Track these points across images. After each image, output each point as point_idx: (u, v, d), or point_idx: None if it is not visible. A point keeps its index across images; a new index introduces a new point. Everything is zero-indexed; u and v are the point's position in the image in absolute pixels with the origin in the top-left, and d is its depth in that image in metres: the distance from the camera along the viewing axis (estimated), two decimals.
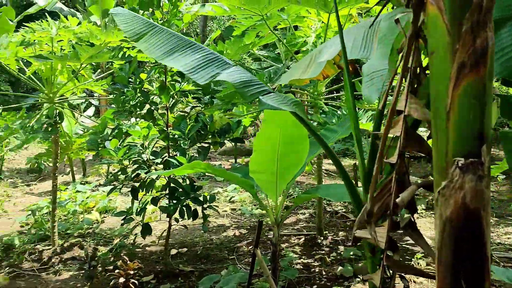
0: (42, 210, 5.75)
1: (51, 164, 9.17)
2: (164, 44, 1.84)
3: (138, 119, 5.15)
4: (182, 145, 3.50)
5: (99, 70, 9.04)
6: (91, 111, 8.26)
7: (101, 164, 8.65)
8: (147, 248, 4.77)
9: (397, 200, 1.10)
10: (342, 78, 4.62)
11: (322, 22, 4.47)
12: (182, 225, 4.53)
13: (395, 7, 1.86)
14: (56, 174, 4.86)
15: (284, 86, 3.77)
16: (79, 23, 4.41)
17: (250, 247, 4.61)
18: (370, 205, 1.19)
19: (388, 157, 1.17)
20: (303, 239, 4.81)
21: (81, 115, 8.26)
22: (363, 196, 1.71)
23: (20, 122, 4.05)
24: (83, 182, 7.89)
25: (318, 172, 4.63)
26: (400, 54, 1.18)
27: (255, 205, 6.49)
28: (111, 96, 5.60)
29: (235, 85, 1.66)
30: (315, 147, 2.94)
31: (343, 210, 5.95)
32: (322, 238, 4.76)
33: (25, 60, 4.93)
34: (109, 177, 8.16)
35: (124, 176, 3.55)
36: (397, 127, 1.11)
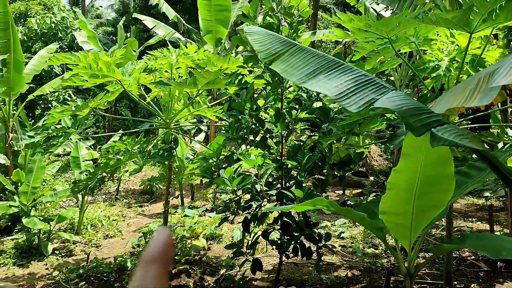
0: (153, 233, 5.84)
1: (162, 187, 9.56)
2: (305, 65, 1.60)
3: (249, 147, 5.04)
4: (298, 176, 3.23)
5: (209, 97, 9.29)
6: (201, 136, 8.46)
7: (207, 189, 8.75)
8: (253, 282, 4.53)
9: None
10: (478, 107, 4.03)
11: (456, 44, 4.00)
12: (292, 262, 4.23)
13: None
14: (169, 199, 4.88)
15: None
16: (197, 51, 4.46)
17: None
18: None
19: None
20: None
21: (191, 141, 8.49)
22: None
23: (139, 147, 4.12)
24: (191, 207, 8.01)
25: (448, 213, 4.05)
26: None
27: (366, 242, 5.98)
28: (222, 123, 5.60)
29: (399, 113, 1.36)
30: (458, 188, 2.48)
31: (472, 257, 5.19)
32: None
33: (143, 87, 5.12)
34: (217, 204, 8.20)
35: (236, 206, 3.37)
36: None
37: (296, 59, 1.65)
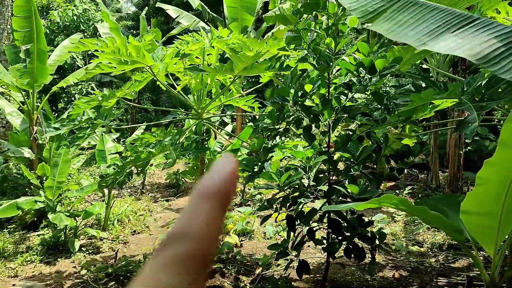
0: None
1: (188, 180, 9.30)
2: (422, 22, 1.26)
3: (283, 138, 4.69)
4: (352, 170, 2.88)
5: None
6: (229, 128, 8.15)
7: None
8: (293, 283, 4.21)
9: None
10: None
11: None
12: (337, 262, 3.89)
13: None
14: None
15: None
16: (229, 35, 4.13)
17: None
18: None
19: None
20: None
21: (218, 132, 8.19)
22: None
23: (171, 138, 3.82)
24: None
25: None
26: None
27: (409, 240, 5.59)
28: (253, 112, 5.27)
29: None
30: None
31: None
32: None
33: (171, 77, 4.82)
34: (245, 198, 7.90)
35: (281, 204, 3.03)
36: None
37: (406, 15, 1.30)
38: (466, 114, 8.11)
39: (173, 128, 4.34)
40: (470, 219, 2.12)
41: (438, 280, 4.21)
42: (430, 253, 5.14)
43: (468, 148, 10.75)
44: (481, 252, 4.24)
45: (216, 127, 6.76)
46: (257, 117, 11.48)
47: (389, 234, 5.67)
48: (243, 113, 6.27)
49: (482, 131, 11.68)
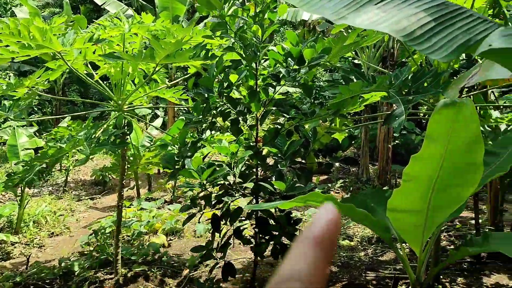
0: (105, 230, 5.19)
1: (115, 177, 8.80)
2: None
3: (213, 132, 4.47)
4: (279, 166, 2.72)
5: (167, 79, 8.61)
6: (159, 121, 7.77)
7: (166, 179, 8.12)
8: (222, 285, 4.00)
9: None
10: None
11: None
12: (267, 262, 3.74)
13: None
14: (122, 193, 4.25)
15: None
16: (155, 20, 3.82)
17: None
18: None
19: None
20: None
21: (147, 126, 7.80)
22: None
23: (85, 133, 3.46)
24: (148, 199, 7.35)
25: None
26: None
27: (340, 234, 5.59)
28: (184, 105, 4.99)
29: None
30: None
31: (452, 247, 4.91)
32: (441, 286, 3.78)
33: (92, 66, 4.42)
34: (177, 194, 7.58)
35: (205, 203, 2.81)
36: None
37: None
38: (395, 108, 8.32)
39: (98, 121, 3.96)
40: (397, 216, 2.03)
41: (367, 275, 4.20)
42: (359, 247, 5.16)
43: (396, 141, 11.12)
44: (407, 248, 4.28)
45: (143, 121, 6.38)
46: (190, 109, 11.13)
47: None
48: (175, 106, 5.96)
49: (409, 125, 12.16)
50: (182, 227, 5.81)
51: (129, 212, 5.88)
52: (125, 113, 4.02)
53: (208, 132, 4.25)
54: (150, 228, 5.43)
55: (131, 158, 4.60)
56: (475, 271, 4.22)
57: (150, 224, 5.38)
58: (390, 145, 8.19)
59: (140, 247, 4.93)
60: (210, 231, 5.74)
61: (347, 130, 3.90)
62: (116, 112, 4.25)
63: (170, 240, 5.53)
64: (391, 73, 2.99)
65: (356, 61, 11.49)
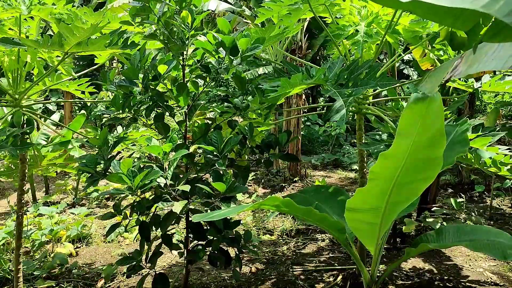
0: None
1: (3, 180, 7.81)
2: None
3: (129, 129, 4.10)
4: (217, 165, 2.50)
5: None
6: (56, 116, 7.00)
7: (66, 180, 7.39)
8: None
9: None
10: None
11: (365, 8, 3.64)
12: (196, 267, 3.50)
13: None
14: (22, 200, 3.70)
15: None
16: (54, 3, 3.33)
17: None
18: None
19: None
20: (340, 276, 3.88)
21: (43, 122, 7.02)
22: None
23: None
24: (46, 203, 6.61)
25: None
26: None
27: (259, 228, 5.52)
28: (86, 98, 4.49)
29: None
30: None
31: None
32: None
33: None
34: (79, 196, 6.92)
35: (137, 209, 2.49)
36: None
37: None
38: (303, 102, 8.44)
39: None
40: (355, 216, 1.94)
41: (294, 270, 4.16)
42: (281, 240, 5.13)
43: (302, 133, 11.44)
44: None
45: (38, 116, 5.68)
46: (89, 103, 10.27)
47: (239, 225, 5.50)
48: (73, 100, 5.38)
49: (313, 117, 12.59)
50: (90, 233, 5.30)
51: (25, 219, 5.20)
52: (24, 109, 3.48)
53: (120, 129, 3.87)
54: (53, 236, 4.85)
55: (31, 160, 4.02)
56: (393, 257, 4.40)
57: (53, 232, 4.80)
58: (299, 137, 8.33)
59: (44, 259, 4.37)
60: (121, 235, 5.34)
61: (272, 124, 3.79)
62: (9, 108, 3.67)
63: (77, 248, 5.00)
64: (315, 64, 2.92)
65: (263, 55, 11.56)
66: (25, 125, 3.43)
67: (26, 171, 3.73)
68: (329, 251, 4.68)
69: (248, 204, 1.84)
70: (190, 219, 2.87)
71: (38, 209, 5.73)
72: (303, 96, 8.24)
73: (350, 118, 10.11)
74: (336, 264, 4.25)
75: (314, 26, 9.46)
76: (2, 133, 3.00)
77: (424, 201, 5.35)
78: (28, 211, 5.83)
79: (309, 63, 4.16)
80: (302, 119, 11.60)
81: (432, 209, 5.16)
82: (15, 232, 3.67)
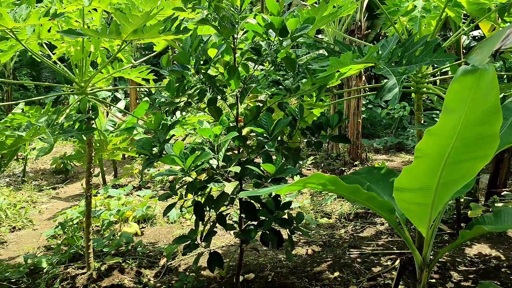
0: (73, 221, 4.88)
1: (77, 164, 8.36)
2: None
3: (186, 113, 4.23)
4: (267, 146, 2.52)
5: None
6: (122, 104, 7.37)
7: (132, 164, 7.78)
8: (203, 272, 3.82)
9: None
10: None
11: None
12: (251, 248, 3.58)
13: None
14: (90, 182, 3.95)
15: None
16: None
17: (335, 274, 3.63)
18: None
19: None
20: (398, 260, 3.80)
21: (111, 109, 7.43)
22: None
23: (46, 119, 3.13)
24: (115, 186, 7.01)
25: None
26: None
27: (317, 212, 5.51)
28: (148, 85, 4.67)
29: None
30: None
31: None
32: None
33: (48, 46, 4.03)
34: (145, 180, 7.27)
35: (191, 190, 2.59)
36: None
37: None
38: (364, 83, 8.23)
39: (53, 107, 3.61)
40: (403, 196, 1.89)
41: (351, 252, 4.12)
42: (339, 224, 5.09)
43: (363, 116, 11.16)
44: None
45: (106, 104, 6.01)
46: (153, 90, 10.73)
47: (297, 208, 5.53)
48: (137, 87, 5.61)
49: (376, 100, 12.22)
50: (154, 214, 5.56)
51: (96, 201, 5.56)
52: (89, 96, 3.69)
53: (178, 114, 3.99)
54: (121, 216, 5.15)
55: (97, 144, 4.28)
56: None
57: (120, 213, 5.10)
58: (360, 120, 8.15)
59: (112, 237, 4.66)
60: (184, 216, 5.55)
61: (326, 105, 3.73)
62: (76, 96, 3.91)
63: (143, 228, 5.28)
64: (371, 44, 2.83)
65: (319, 36, 11.34)
66: (90, 111, 3.65)
67: (93, 154, 3.98)
68: (388, 235, 4.58)
69: (293, 182, 1.85)
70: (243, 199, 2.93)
71: (107, 191, 6.10)
72: (363, 78, 8.02)
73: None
74: (394, 248, 4.16)
75: (375, 4, 9.14)
76: (69, 119, 3.22)
77: (493, 184, 5.06)
78: (99, 193, 6.21)
79: (366, 43, 4.05)
80: (363, 102, 11.31)
81: (502, 193, 4.87)
82: (85, 212, 3.95)
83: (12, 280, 3.87)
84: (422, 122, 3.39)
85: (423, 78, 3.38)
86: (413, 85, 3.39)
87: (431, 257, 2.19)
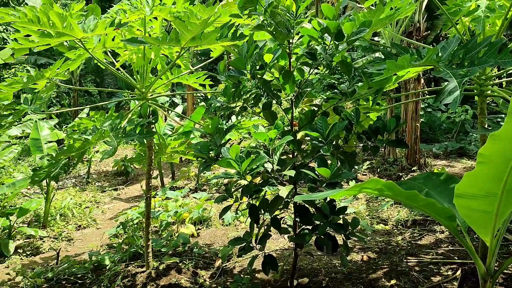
0: (133, 222, 5.10)
1: (137, 166, 8.71)
2: None
3: (242, 118, 4.29)
4: (322, 151, 2.52)
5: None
6: (179, 109, 7.61)
7: (189, 167, 7.99)
8: (257, 275, 3.86)
9: None
10: None
11: None
12: (305, 252, 3.58)
13: None
14: (150, 183, 4.11)
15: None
16: (174, 2, 3.62)
17: (392, 282, 3.54)
18: None
19: None
20: (459, 271, 3.64)
21: (169, 113, 7.68)
22: None
23: (110, 123, 3.30)
24: (173, 188, 7.24)
25: None
26: None
27: (373, 218, 5.39)
28: (205, 90, 4.80)
29: None
30: None
31: None
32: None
33: (111, 54, 4.25)
34: (201, 182, 7.45)
35: (245, 193, 2.63)
36: None
37: None
38: (422, 86, 7.98)
39: (114, 111, 3.81)
40: (465, 203, 1.82)
41: (408, 260, 4.00)
42: (395, 231, 4.96)
43: (421, 120, 10.79)
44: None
45: (165, 109, 6.22)
46: (209, 95, 10.98)
47: (352, 213, 5.44)
48: (194, 92, 5.78)
49: (435, 103, 11.77)
50: (210, 216, 5.68)
51: (154, 202, 5.77)
52: (149, 101, 3.86)
53: (234, 118, 4.07)
54: (178, 218, 5.31)
55: (157, 148, 4.44)
56: None
57: (178, 214, 5.26)
58: (418, 124, 7.89)
59: (169, 238, 4.81)
60: (238, 218, 5.63)
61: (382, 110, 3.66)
62: (137, 101, 4.09)
63: (199, 229, 5.41)
64: (429, 46, 2.74)
65: (376, 39, 11.11)
66: (150, 116, 3.80)
67: (153, 157, 4.14)
68: (448, 244, 4.40)
69: (349, 187, 1.83)
70: (298, 203, 2.93)
71: (165, 193, 6.31)
72: (422, 80, 7.77)
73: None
74: (455, 258, 3.99)
75: (435, 5, 8.83)
76: (131, 123, 3.38)
77: None
78: (158, 194, 6.44)
79: (425, 45, 3.93)
80: (422, 105, 10.93)
81: None
82: (144, 212, 4.12)
83: (78, 275, 4.09)
84: (485, 126, 3.24)
85: (487, 81, 3.23)
86: (476, 87, 3.26)
87: (496, 267, 2.09)
